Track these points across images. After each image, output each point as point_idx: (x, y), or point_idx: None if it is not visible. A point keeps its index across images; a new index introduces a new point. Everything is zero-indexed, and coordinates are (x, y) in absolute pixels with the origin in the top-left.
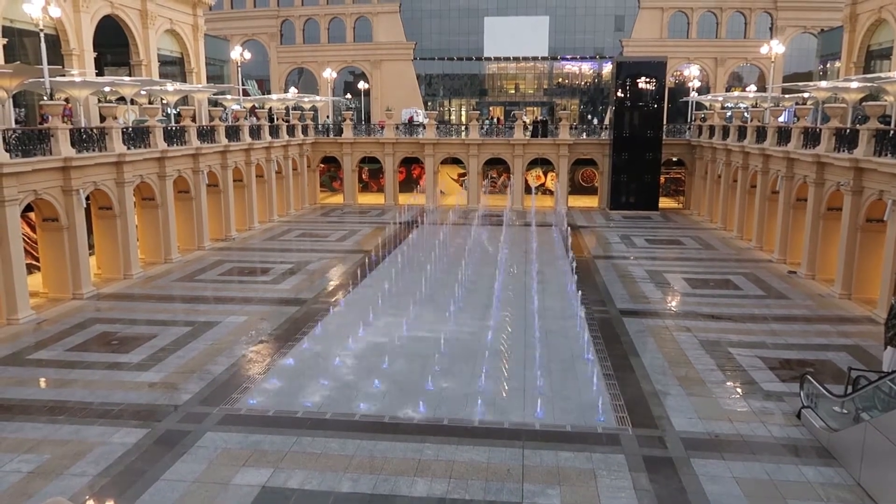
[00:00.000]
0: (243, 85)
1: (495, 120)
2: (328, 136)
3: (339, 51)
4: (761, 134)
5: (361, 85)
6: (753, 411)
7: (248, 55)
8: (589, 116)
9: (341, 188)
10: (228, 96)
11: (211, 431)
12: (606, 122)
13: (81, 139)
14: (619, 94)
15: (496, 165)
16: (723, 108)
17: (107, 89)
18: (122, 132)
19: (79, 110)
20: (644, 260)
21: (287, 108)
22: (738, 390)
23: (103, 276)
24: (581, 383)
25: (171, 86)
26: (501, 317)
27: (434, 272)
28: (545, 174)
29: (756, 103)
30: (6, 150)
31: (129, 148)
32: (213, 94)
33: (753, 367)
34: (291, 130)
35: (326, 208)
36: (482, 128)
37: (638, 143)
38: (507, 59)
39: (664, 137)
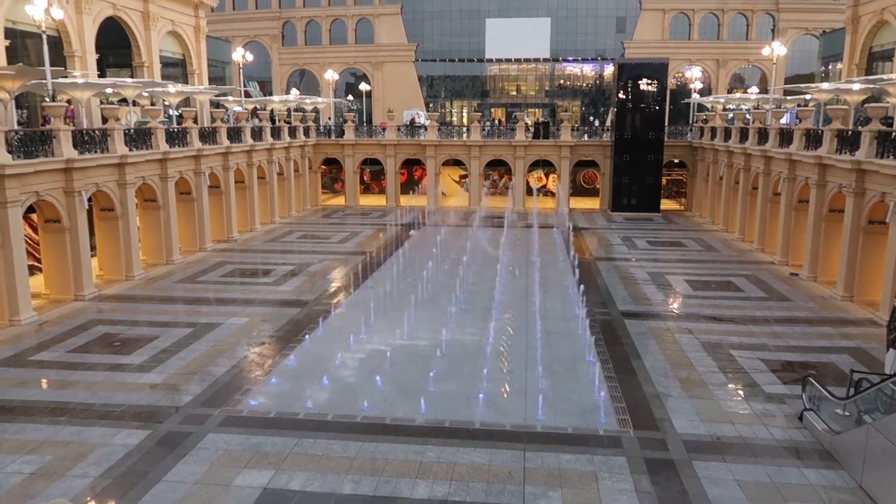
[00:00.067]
0: (245, 86)
1: (497, 121)
2: (330, 137)
3: (341, 52)
4: (763, 136)
5: (363, 86)
6: (755, 413)
7: (249, 57)
8: (591, 118)
9: (343, 190)
10: (230, 98)
11: (212, 433)
12: (608, 123)
13: (83, 141)
14: (620, 95)
15: (497, 167)
16: (724, 109)
17: (109, 91)
18: (124, 134)
19: (81, 112)
20: (645, 262)
21: (289, 110)
22: (740, 392)
23: (105, 277)
24: (582, 385)
25: (172, 87)
26: (503, 318)
27: (435, 274)
28: (546, 176)
29: (758, 105)
30: (8, 152)
31: (131, 149)
32: (215, 96)
33: (755, 369)
34: (293, 132)
35: (328, 210)
36: (483, 129)
37: (639, 144)
38: (508, 60)
39: (666, 139)
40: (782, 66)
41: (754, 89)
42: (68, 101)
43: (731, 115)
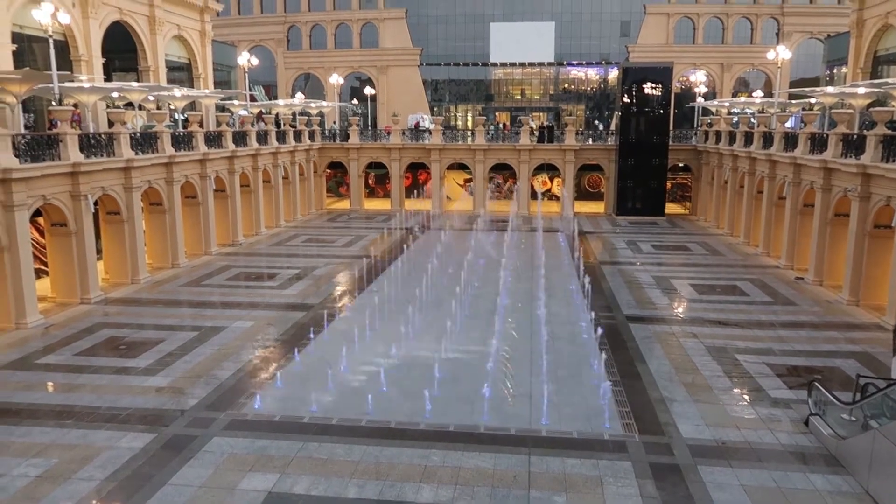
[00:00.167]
0: (250, 90)
1: (501, 125)
2: (335, 141)
3: (346, 56)
4: (768, 139)
5: (368, 90)
6: (761, 418)
7: (255, 61)
8: (595, 122)
9: (348, 193)
10: (236, 102)
11: (217, 436)
12: (612, 127)
13: (90, 144)
14: (625, 99)
15: (502, 171)
16: (729, 113)
17: (115, 95)
18: (131, 138)
19: (87, 116)
20: (650, 266)
21: (294, 114)
22: (746, 397)
23: (111, 280)
24: (587, 389)
25: (178, 91)
26: (507, 322)
27: (440, 277)
28: (551, 180)
29: (762, 109)
30: (15, 156)
31: (137, 153)
32: (221, 100)
33: (761, 373)
34: (298, 136)
35: (333, 213)
36: (488, 133)
37: (644, 148)
38: (513, 64)
39: (670, 143)
40: (787, 70)
41: (759, 93)
42: (75, 105)
43: (735, 119)
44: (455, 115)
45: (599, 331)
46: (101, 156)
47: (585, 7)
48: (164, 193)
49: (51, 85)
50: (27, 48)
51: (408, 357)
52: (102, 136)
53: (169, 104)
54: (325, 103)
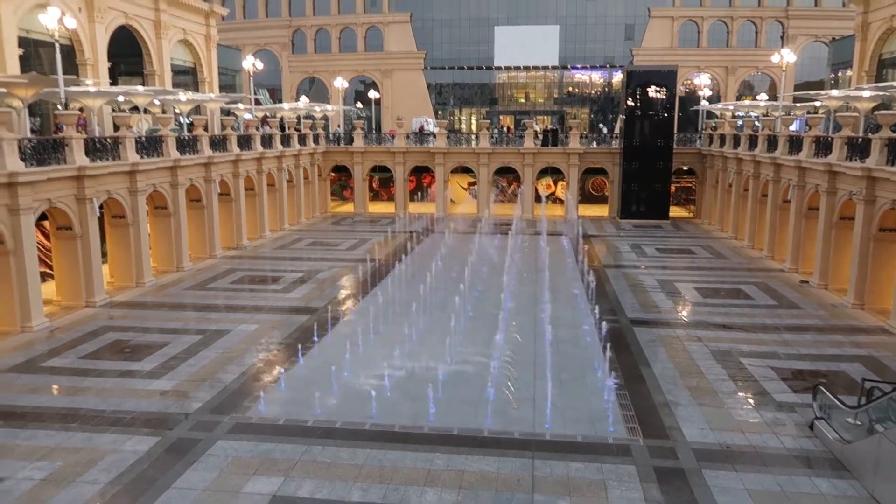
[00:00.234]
0: (255, 94)
1: (505, 129)
2: (339, 145)
3: (351, 60)
4: (772, 143)
5: (372, 94)
6: (765, 422)
7: (259, 65)
8: (599, 125)
9: (352, 197)
10: (240, 105)
11: (222, 440)
12: (617, 131)
13: (95, 148)
14: (629, 102)
15: (506, 174)
16: (734, 116)
17: (120, 99)
18: (136, 141)
19: (93, 120)
20: (655, 269)
21: (298, 118)
22: (750, 401)
23: (116, 284)
24: (591, 393)
25: (183, 95)
26: (511, 326)
27: (444, 281)
28: (555, 183)
29: (767, 112)
30: (21, 160)
31: (142, 157)
32: (226, 104)
33: (765, 377)
34: (303, 139)
35: (337, 217)
36: (492, 137)
37: (648, 151)
38: (517, 68)
39: (675, 146)
40: (791, 74)
41: (763, 96)
42: (80, 110)
43: (740, 123)
44: (459, 119)
45: (603, 334)
46: (107, 159)
47: (590, 10)
48: (169, 197)
49: (57, 89)
50: (34, 52)
51: (411, 360)
52: (108, 140)
53: (174, 108)
54: (329, 107)
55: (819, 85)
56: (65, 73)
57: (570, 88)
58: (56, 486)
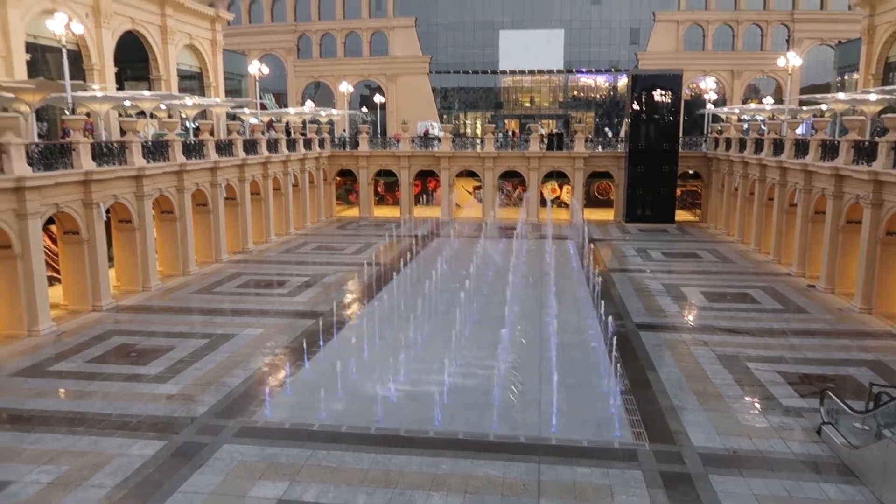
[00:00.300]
0: (261, 99)
1: (510, 133)
2: (344, 149)
3: (356, 65)
4: (778, 146)
5: (377, 98)
6: (773, 427)
7: (265, 69)
8: (604, 129)
9: (357, 201)
10: (246, 110)
11: (227, 444)
12: (622, 134)
13: (102, 153)
14: (634, 106)
15: (511, 178)
16: (739, 120)
17: (127, 104)
18: (142, 146)
19: (100, 124)
20: (660, 273)
21: (304, 122)
22: (757, 406)
23: (122, 288)
24: (597, 397)
25: (189, 100)
26: (517, 330)
27: (450, 285)
28: (560, 187)
29: (773, 115)
30: (29, 164)
31: (148, 162)
32: (232, 108)
33: (772, 382)
34: (308, 144)
35: (342, 221)
36: (497, 141)
37: (654, 155)
38: (522, 72)
39: (680, 150)
40: (797, 77)
41: (769, 100)
42: (87, 114)
43: (745, 126)
44: (464, 123)
45: (609, 338)
46: (113, 164)
47: (594, 15)
48: (175, 201)
49: (64, 94)
50: (41, 58)
51: (416, 364)
52: (114, 144)
53: (180, 113)
54: (334, 111)
55: (825, 88)
56: (72, 78)
57: (576, 92)
58: (63, 489)
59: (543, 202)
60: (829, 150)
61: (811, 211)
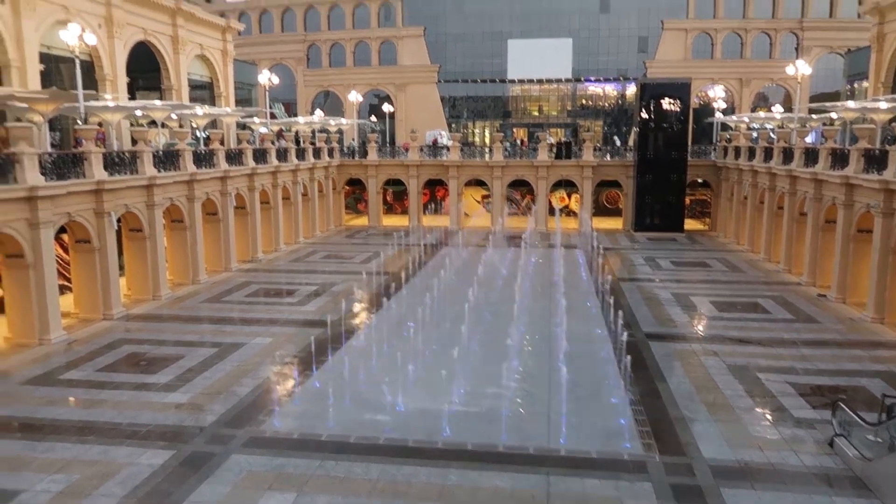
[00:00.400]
0: (271, 108)
1: (519, 142)
2: (353, 158)
3: (365, 74)
4: (788, 155)
5: (386, 107)
6: (784, 439)
7: (275, 79)
8: (613, 138)
9: (366, 210)
10: (256, 119)
11: (236, 453)
12: (630, 143)
13: (114, 162)
14: (643, 115)
15: (520, 187)
16: (748, 128)
17: (139, 113)
18: (153, 156)
19: (111, 134)
20: (670, 282)
21: (313, 131)
22: (768, 417)
23: (133, 296)
24: (606, 408)
25: (200, 110)
26: (525, 339)
27: (459, 294)
28: (569, 196)
29: (782, 124)
30: (42, 174)
31: (159, 171)
32: (242, 118)
33: (783, 393)
34: (317, 153)
35: (351, 230)
36: (506, 150)
37: (662, 164)
38: (530, 81)
39: (689, 158)
40: (807, 85)
41: (778, 108)
42: (99, 124)
43: (755, 135)
44: (473, 132)
45: (618, 348)
46: (125, 174)
47: (603, 24)
48: (186, 210)
49: (76, 104)
50: (54, 68)
51: (425, 374)
52: (126, 154)
53: (191, 122)
54: (343, 120)
55: (835, 96)
56: (84, 88)
57: (584, 101)
58: (72, 499)
59: (552, 211)
60: (840, 158)
61: (822, 220)
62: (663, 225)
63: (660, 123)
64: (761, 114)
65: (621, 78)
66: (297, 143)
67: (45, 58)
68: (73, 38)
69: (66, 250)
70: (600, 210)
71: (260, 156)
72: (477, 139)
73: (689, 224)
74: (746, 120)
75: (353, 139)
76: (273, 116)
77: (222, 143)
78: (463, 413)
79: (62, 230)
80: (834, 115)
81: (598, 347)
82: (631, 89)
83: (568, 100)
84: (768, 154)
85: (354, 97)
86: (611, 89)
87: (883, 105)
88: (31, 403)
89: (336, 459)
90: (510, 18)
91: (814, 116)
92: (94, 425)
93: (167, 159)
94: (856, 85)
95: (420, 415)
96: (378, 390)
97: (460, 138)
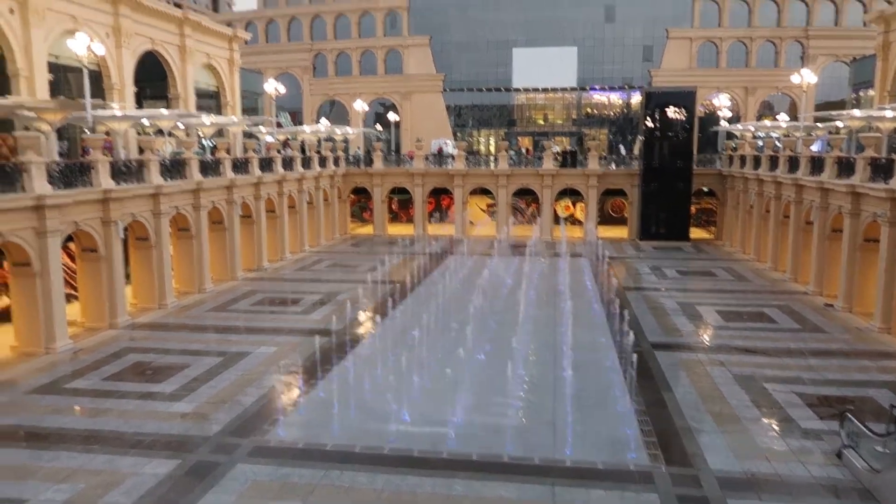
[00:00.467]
0: (277, 117)
1: (524, 150)
2: (359, 167)
3: (371, 83)
4: (794, 164)
5: (391, 116)
6: (791, 450)
7: (281, 88)
8: (618, 146)
9: (371, 219)
10: (262, 128)
11: (241, 463)
12: (636, 152)
13: (121, 171)
14: (648, 123)
15: (525, 196)
16: (754, 137)
17: (146, 122)
18: (160, 164)
19: (118, 142)
20: (675, 291)
21: (319, 140)
22: (775, 427)
23: (138, 305)
24: (612, 418)
25: (207, 118)
26: (530, 349)
27: (464, 303)
28: (574, 204)
29: (788, 132)
30: (50, 183)
31: (166, 180)
32: (248, 127)
33: (790, 403)
34: (323, 162)
35: (357, 239)
36: (511, 159)
37: (668, 173)
38: (535, 89)
39: (694, 167)
40: (812, 93)
41: (784, 116)
42: (107, 133)
43: (760, 143)
44: (478, 140)
45: (624, 358)
46: (132, 182)
47: (608, 32)
48: (192, 219)
49: (84, 113)
50: (62, 77)
51: (430, 383)
52: (133, 163)
53: (198, 131)
54: (349, 129)
55: (840, 105)
56: (92, 97)
57: (589, 109)
58: None
59: (557, 220)
60: (845, 167)
61: (828, 229)
62: (669, 234)
63: (665, 132)
64: (767, 122)
65: (626, 87)
66: (303, 151)
67: (53, 67)
68: (82, 47)
69: (72, 259)
70: (605, 219)
71: (266, 165)
72: (482, 148)
73: (695, 233)
74: (752, 128)
75: (359, 148)
76: (279, 125)
77: (228, 151)
78: (468, 423)
79: (69, 239)
80: (840, 124)
81: (604, 357)
82: (636, 98)
83: (573, 108)
84: (774, 163)
85: (360, 106)
86: (616, 98)
87: (889, 113)
88: (37, 412)
89: (341, 469)
90: (515, 27)
91: (819, 125)
92: (100, 434)
93: (174, 168)
94: (861, 93)
95: (425, 424)
96: (383, 400)
97: (465, 147)
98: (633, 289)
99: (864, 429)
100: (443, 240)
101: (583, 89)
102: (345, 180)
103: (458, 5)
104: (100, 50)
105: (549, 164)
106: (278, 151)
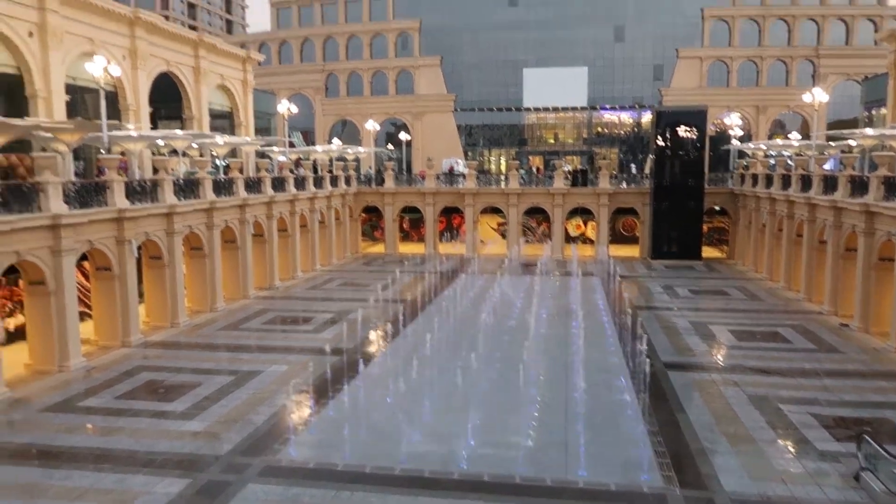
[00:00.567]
0: (289, 137)
1: (535, 169)
2: (370, 186)
3: (382, 103)
4: (806, 182)
5: (403, 136)
6: (808, 472)
7: (294, 108)
8: (629, 165)
9: (382, 237)
10: (275, 148)
11: (252, 483)
12: (646, 170)
13: (135, 191)
14: (659, 142)
15: (536, 215)
16: (766, 156)
17: (160, 142)
18: (174, 184)
19: (133, 162)
20: (688, 311)
21: (331, 159)
22: (791, 449)
23: (151, 323)
24: (625, 439)
25: (220, 139)
26: (542, 369)
27: (475, 322)
28: (585, 223)
29: (800, 151)
30: (65, 202)
31: (179, 199)
32: (261, 146)
33: (806, 424)
34: (335, 181)
35: (368, 257)
36: (522, 177)
37: (679, 191)
38: (546, 109)
39: (706, 186)
40: (824, 112)
41: (795, 135)
42: (122, 153)
43: (772, 162)
44: (489, 160)
45: (636, 378)
46: (146, 202)
47: (618, 52)
48: (205, 238)
49: (100, 134)
50: (79, 98)
51: (441, 403)
52: (147, 182)
53: (211, 151)
54: (361, 149)
55: (852, 123)
56: (108, 118)
57: (600, 129)
58: None
59: (568, 239)
60: (859, 186)
61: (842, 248)
62: (681, 252)
63: (676, 151)
64: (778, 141)
65: (637, 106)
66: (315, 171)
67: (70, 88)
68: (99, 69)
69: (86, 277)
70: (617, 238)
71: (278, 184)
72: (493, 167)
73: (707, 252)
74: (763, 147)
75: (370, 167)
76: (291, 145)
77: (241, 171)
78: (479, 443)
79: (83, 257)
80: (852, 143)
81: (616, 377)
82: (646, 117)
83: (584, 128)
84: (786, 181)
85: (371, 126)
86: (626, 117)
87: None
88: (50, 430)
89: (351, 490)
90: (526, 48)
91: (832, 143)
92: (111, 453)
93: (187, 188)
94: (873, 112)
95: (436, 445)
96: (394, 419)
97: (476, 166)
98: (644, 308)
99: (883, 451)
100: (454, 258)
101: (593, 108)
102: (356, 199)
103: (468, 27)
104: (116, 72)
105: (559, 182)
106: (291, 171)
